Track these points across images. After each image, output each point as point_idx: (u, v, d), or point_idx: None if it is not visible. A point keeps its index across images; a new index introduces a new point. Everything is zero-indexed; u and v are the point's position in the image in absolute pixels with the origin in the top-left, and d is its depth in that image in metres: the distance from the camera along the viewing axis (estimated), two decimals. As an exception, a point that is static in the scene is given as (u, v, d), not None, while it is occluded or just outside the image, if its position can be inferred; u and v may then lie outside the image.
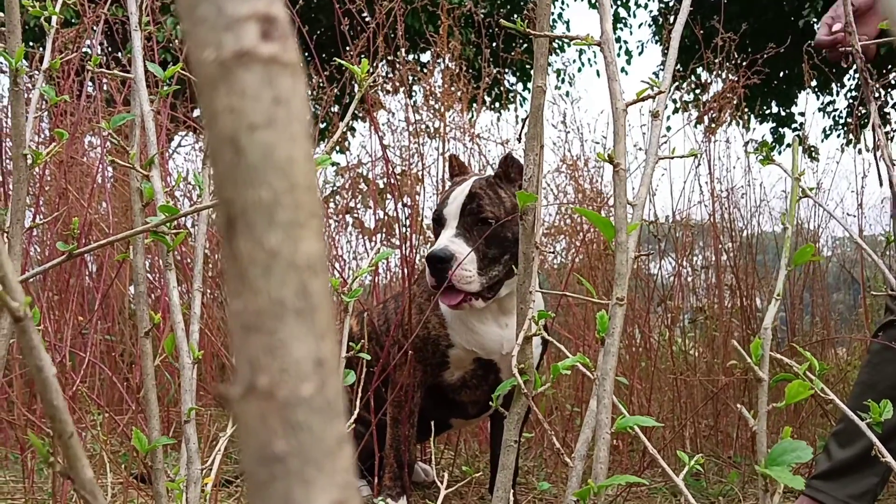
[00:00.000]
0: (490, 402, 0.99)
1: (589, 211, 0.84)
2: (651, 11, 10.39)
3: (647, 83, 0.95)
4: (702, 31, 3.21)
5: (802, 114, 9.63)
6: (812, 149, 5.07)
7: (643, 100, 0.88)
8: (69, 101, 2.73)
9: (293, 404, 0.22)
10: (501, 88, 4.44)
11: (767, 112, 9.90)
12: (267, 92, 0.22)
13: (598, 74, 10.63)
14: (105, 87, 3.13)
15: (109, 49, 3.29)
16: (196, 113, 4.47)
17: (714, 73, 3.50)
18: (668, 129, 6.48)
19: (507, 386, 0.91)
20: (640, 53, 10.81)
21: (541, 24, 0.93)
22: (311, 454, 0.22)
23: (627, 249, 0.83)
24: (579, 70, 10.56)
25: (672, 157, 1.18)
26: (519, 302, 0.94)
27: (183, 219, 2.08)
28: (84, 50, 3.09)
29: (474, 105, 3.54)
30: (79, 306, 2.46)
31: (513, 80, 8.29)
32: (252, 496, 0.22)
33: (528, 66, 7.66)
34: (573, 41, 0.90)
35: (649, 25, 10.56)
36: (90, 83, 2.98)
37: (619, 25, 10.67)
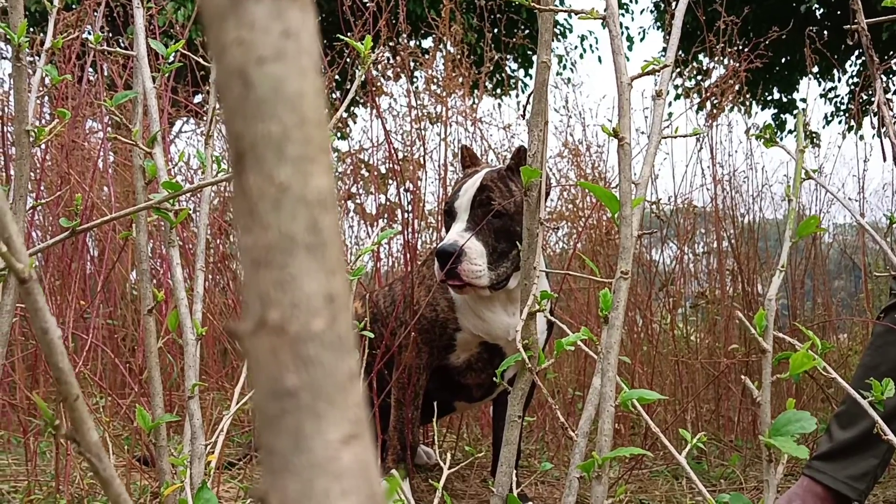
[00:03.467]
0: (494, 385, 0.99)
1: (593, 185, 0.84)
2: (653, -3, 10.34)
3: (650, 61, 0.94)
4: (703, 17, 3.20)
5: (804, 100, 9.62)
6: (813, 135, 5.05)
7: (648, 73, 0.87)
8: (70, 83, 2.72)
9: (304, 339, 0.21)
10: (503, 74, 4.43)
11: (769, 98, 9.87)
12: (276, 24, 0.22)
13: (601, 60, 10.59)
14: (106, 72, 3.12)
15: (110, 33, 3.27)
16: (198, 98, 4.45)
17: (716, 57, 3.48)
18: (671, 114, 6.46)
19: (510, 361, 0.91)
20: (641, 39, 10.75)
21: (545, -1, 0.92)
22: (322, 389, 0.21)
23: (631, 224, 0.83)
24: (581, 56, 10.53)
25: (675, 137, 1.18)
26: (523, 278, 0.94)
27: (184, 199, 2.08)
28: (85, 36, 3.08)
29: (476, 90, 3.53)
30: (80, 290, 2.46)
31: (514, 65, 8.27)
32: (263, 430, 0.22)
33: (529, 52, 7.64)
34: (578, 15, 0.89)
35: (651, 11, 10.51)
36: (91, 69, 2.97)
37: (620, 11, 10.61)
